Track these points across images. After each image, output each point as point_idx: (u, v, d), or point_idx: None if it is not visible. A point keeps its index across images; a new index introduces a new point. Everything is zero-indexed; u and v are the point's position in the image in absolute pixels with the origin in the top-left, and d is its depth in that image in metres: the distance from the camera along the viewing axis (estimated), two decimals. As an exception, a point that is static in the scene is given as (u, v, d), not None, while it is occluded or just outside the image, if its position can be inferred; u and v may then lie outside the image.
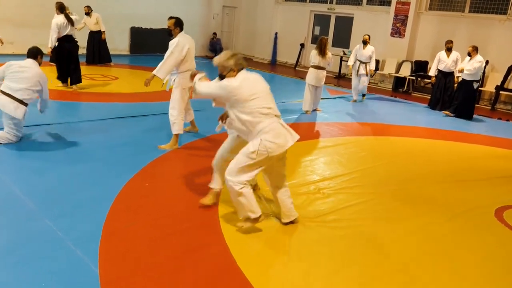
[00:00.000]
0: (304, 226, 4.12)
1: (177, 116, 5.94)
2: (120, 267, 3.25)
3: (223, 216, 4.13)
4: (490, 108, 11.52)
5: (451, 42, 10.32)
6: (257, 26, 18.02)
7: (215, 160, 4.23)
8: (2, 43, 8.93)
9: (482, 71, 10.13)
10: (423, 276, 3.52)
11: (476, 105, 10.40)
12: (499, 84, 11.26)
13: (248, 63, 15.29)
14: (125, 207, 4.19)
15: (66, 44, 8.97)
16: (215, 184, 4.29)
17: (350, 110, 9.97)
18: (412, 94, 12.87)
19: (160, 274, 3.20)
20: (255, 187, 4.67)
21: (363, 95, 11.04)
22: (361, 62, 10.54)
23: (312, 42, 16.19)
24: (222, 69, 3.78)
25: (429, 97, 11.20)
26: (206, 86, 3.92)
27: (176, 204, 4.22)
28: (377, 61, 13.35)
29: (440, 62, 10.44)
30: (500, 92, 11.35)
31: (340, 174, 5.65)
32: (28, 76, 5.53)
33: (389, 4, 13.81)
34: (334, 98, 11.24)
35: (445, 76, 10.45)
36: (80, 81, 9.34)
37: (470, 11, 12.37)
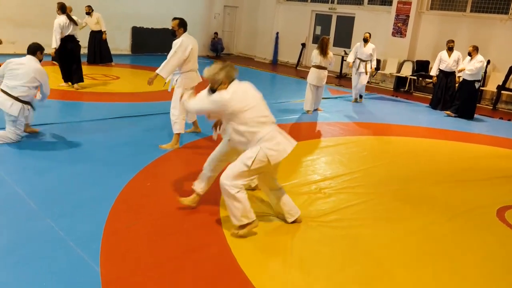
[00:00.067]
0: (305, 225, 4.12)
1: (178, 116, 5.94)
2: (121, 266, 3.26)
3: (224, 216, 4.12)
4: (491, 107, 11.51)
5: (453, 41, 10.31)
6: (259, 26, 18.02)
7: (206, 163, 4.16)
8: (1, 42, 8.95)
9: (483, 71, 10.10)
10: (424, 276, 3.51)
11: (477, 104, 10.40)
12: (500, 83, 11.24)
13: (249, 62, 15.34)
14: (126, 206, 4.19)
15: (68, 44, 8.99)
16: (197, 187, 4.19)
17: (351, 110, 9.97)
18: (414, 94, 12.86)
19: (161, 274, 3.20)
20: (255, 187, 4.67)
21: (360, 96, 10.83)
22: (361, 60, 10.51)
23: (314, 42, 16.18)
24: (213, 82, 3.70)
25: (431, 97, 11.19)
26: (196, 102, 3.85)
27: (177, 204, 4.22)
28: (379, 61, 13.34)
29: (442, 61, 10.43)
30: (502, 91, 11.33)
31: (341, 174, 5.65)
32: (23, 72, 5.53)
33: (390, 3, 13.80)
34: (335, 97, 11.23)
35: (446, 75, 10.44)
36: (82, 80, 9.39)
37: (471, 11, 12.35)
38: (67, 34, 8.90)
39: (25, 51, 5.78)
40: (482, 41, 11.43)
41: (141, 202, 4.31)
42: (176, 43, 5.74)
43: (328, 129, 8.04)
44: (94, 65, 12.33)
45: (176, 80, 5.90)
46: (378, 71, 13.82)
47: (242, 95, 3.67)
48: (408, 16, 13.17)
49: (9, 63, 5.62)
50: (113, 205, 4.16)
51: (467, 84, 9.74)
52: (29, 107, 5.69)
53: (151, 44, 15.82)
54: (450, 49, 10.30)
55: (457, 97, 9.97)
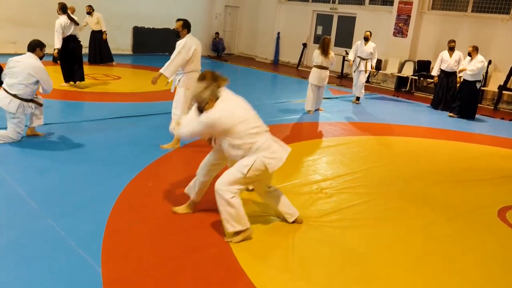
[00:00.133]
0: (306, 225, 4.12)
1: (179, 116, 5.93)
2: (122, 266, 3.26)
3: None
4: (492, 108, 11.50)
5: (454, 41, 10.30)
6: (260, 26, 18.02)
7: (199, 168, 4.11)
8: None
9: (484, 71, 10.09)
10: (424, 276, 3.51)
11: (478, 105, 10.39)
12: (501, 83, 11.24)
13: (250, 62, 15.33)
14: (128, 206, 4.19)
15: (70, 44, 9.03)
16: (191, 192, 4.15)
17: (353, 110, 9.97)
18: (415, 94, 12.85)
19: (162, 273, 3.20)
20: (253, 188, 4.68)
21: (357, 98, 10.65)
22: (361, 58, 10.48)
23: (315, 42, 16.19)
24: (200, 101, 3.62)
25: (432, 97, 11.19)
26: (186, 127, 3.77)
27: (179, 204, 4.22)
28: (380, 61, 13.35)
29: (443, 61, 10.43)
30: (503, 92, 11.32)
31: (342, 173, 5.65)
32: (19, 70, 5.54)
33: (391, 3, 13.80)
34: (337, 97, 11.23)
35: (448, 76, 10.43)
36: (83, 79, 9.41)
37: (472, 11, 12.34)
38: (68, 34, 8.93)
39: (26, 51, 5.79)
40: (483, 41, 11.42)
41: (142, 201, 4.32)
42: (179, 44, 5.79)
43: (329, 129, 8.04)
44: (95, 65, 12.34)
45: (179, 80, 5.94)
46: (379, 71, 13.82)
47: (231, 111, 3.61)
48: (409, 16, 13.17)
49: (9, 61, 5.66)
50: (114, 205, 4.16)
51: (468, 85, 9.73)
52: (32, 104, 5.69)
53: (152, 44, 15.84)
54: (451, 49, 10.29)
55: (458, 98, 9.96)
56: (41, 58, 5.76)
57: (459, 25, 12.34)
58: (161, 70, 5.76)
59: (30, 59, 5.63)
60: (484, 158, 7.07)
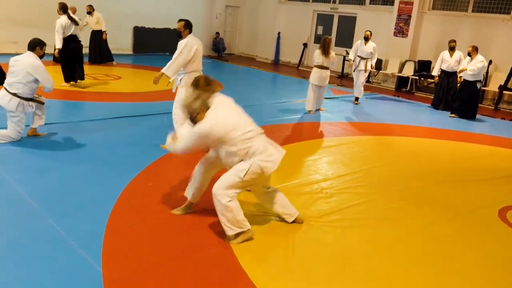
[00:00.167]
0: (306, 225, 4.12)
1: (180, 116, 5.95)
2: (123, 266, 3.26)
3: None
4: (493, 108, 11.49)
5: (454, 41, 10.30)
6: (260, 26, 18.02)
7: (195, 170, 4.10)
8: None
9: (485, 71, 10.07)
10: (425, 276, 3.51)
11: (479, 105, 10.38)
12: (502, 84, 11.23)
13: (251, 62, 15.33)
14: (128, 206, 4.19)
15: (70, 43, 9.04)
16: (188, 194, 4.13)
17: (353, 110, 9.96)
18: (415, 93, 12.84)
19: (162, 273, 3.20)
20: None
21: (356, 99, 10.58)
22: (361, 58, 10.45)
23: (315, 42, 16.19)
24: (191, 112, 3.61)
25: (432, 97, 11.18)
26: (180, 142, 3.74)
27: (179, 203, 4.22)
28: (380, 61, 13.34)
29: (443, 61, 10.42)
30: (504, 91, 11.31)
31: (343, 173, 5.65)
32: (18, 69, 5.55)
33: (392, 3, 13.79)
34: (337, 97, 11.22)
35: (448, 75, 10.42)
36: (83, 78, 9.43)
37: (473, 11, 12.33)
38: (69, 34, 8.94)
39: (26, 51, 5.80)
40: (484, 41, 11.42)
41: (142, 201, 4.32)
42: (181, 44, 5.84)
43: (329, 129, 8.03)
44: (96, 65, 12.35)
45: (180, 80, 5.99)
46: (380, 71, 13.81)
47: (222, 118, 3.59)
48: (410, 16, 13.16)
49: (10, 61, 5.69)
50: (115, 205, 4.17)
51: (468, 85, 9.71)
52: (32, 103, 5.68)
53: (152, 44, 15.83)
54: (451, 49, 10.28)
55: (458, 98, 9.95)
56: (41, 57, 5.75)
57: (460, 25, 12.33)
58: (163, 70, 5.82)
59: (29, 57, 5.63)
60: (485, 158, 7.06)
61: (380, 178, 5.64)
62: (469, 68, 9.50)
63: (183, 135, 3.75)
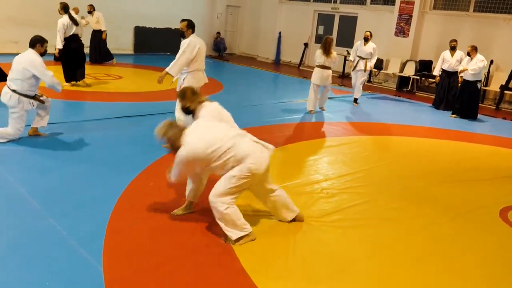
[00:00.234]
0: (307, 225, 4.12)
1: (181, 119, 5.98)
2: (124, 266, 3.26)
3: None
4: (494, 107, 11.48)
5: (455, 41, 10.29)
6: (261, 26, 18.02)
7: (189, 176, 4.08)
8: None
9: (486, 71, 10.06)
10: (425, 276, 3.51)
11: (480, 104, 10.37)
12: (503, 83, 11.21)
13: (252, 62, 15.33)
14: (129, 206, 4.20)
15: (72, 43, 9.06)
16: (187, 194, 4.14)
17: (354, 110, 9.96)
18: (416, 93, 12.84)
19: (163, 273, 3.20)
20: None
21: (355, 100, 10.46)
22: (360, 58, 10.40)
23: (316, 42, 16.19)
24: (169, 142, 3.65)
25: (433, 97, 11.17)
26: (174, 171, 3.75)
27: (180, 203, 4.22)
28: (381, 61, 13.34)
29: (444, 61, 10.41)
30: (505, 91, 11.30)
31: (344, 173, 5.64)
32: (16, 66, 5.58)
33: (393, 3, 13.78)
34: (338, 97, 11.22)
35: (449, 75, 10.41)
36: (83, 77, 9.45)
37: (474, 11, 12.33)
38: (71, 33, 8.95)
39: (27, 50, 5.81)
40: (485, 41, 11.42)
41: (143, 201, 4.32)
42: (184, 43, 5.94)
43: (330, 129, 8.03)
44: (97, 65, 12.36)
45: (183, 79, 6.04)
46: (381, 71, 13.80)
47: (199, 134, 3.59)
48: (411, 16, 13.16)
49: (14, 59, 5.70)
50: (116, 204, 4.17)
51: (469, 85, 9.70)
52: (33, 102, 5.67)
53: (153, 43, 15.83)
54: (453, 49, 10.27)
55: (459, 99, 9.92)
56: (42, 54, 5.74)
57: (461, 25, 12.32)
58: (166, 69, 5.91)
59: (28, 54, 5.64)
60: (486, 158, 7.05)
61: (381, 178, 5.64)
62: (470, 68, 9.48)
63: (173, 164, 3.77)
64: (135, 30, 15.72)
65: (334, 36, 15.61)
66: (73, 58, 9.15)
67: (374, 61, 10.58)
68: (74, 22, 9.04)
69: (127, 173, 4.91)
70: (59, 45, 8.87)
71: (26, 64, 5.53)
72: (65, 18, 8.88)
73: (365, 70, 10.35)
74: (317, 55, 8.97)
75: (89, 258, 3.29)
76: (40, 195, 4.23)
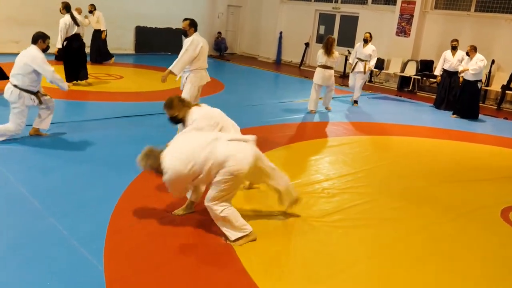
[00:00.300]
0: (308, 225, 4.12)
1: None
2: (124, 265, 3.26)
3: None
4: (496, 107, 11.47)
5: (457, 41, 10.27)
6: (262, 25, 18.02)
7: None
8: None
9: (487, 71, 10.04)
10: (426, 276, 3.51)
11: (481, 104, 10.36)
12: (505, 83, 11.20)
13: (253, 62, 15.32)
14: (130, 206, 4.19)
15: (73, 43, 9.06)
16: (188, 194, 4.12)
17: (355, 110, 9.95)
18: (417, 93, 12.83)
19: (164, 273, 3.20)
20: (251, 186, 4.68)
21: (355, 101, 10.38)
22: (360, 59, 10.34)
23: (317, 42, 16.18)
24: (152, 169, 3.64)
25: (434, 97, 11.15)
26: (169, 190, 3.74)
27: (181, 204, 4.22)
28: (382, 61, 13.32)
29: (446, 61, 10.40)
30: (506, 91, 11.29)
31: (344, 173, 5.64)
32: (17, 61, 5.61)
33: (394, 3, 13.76)
34: (339, 97, 11.20)
35: (450, 75, 10.40)
36: (86, 78, 9.45)
37: (476, 10, 12.31)
38: (72, 33, 8.96)
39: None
40: (486, 40, 11.40)
41: (144, 201, 4.32)
42: (187, 41, 5.98)
43: (331, 128, 8.03)
44: (97, 64, 12.36)
45: (186, 78, 6.06)
46: (382, 71, 13.79)
47: (174, 155, 3.55)
48: (412, 16, 13.14)
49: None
50: (116, 204, 4.17)
51: (469, 85, 9.68)
52: (34, 98, 5.66)
53: (154, 43, 15.83)
54: (454, 49, 10.26)
55: (460, 100, 9.90)
56: (45, 50, 5.74)
57: (462, 25, 12.31)
58: (170, 68, 5.94)
59: (30, 50, 5.65)
60: (487, 158, 7.05)
61: (381, 178, 5.63)
62: (471, 67, 9.47)
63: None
64: (136, 30, 15.72)
65: (335, 36, 15.58)
66: (74, 58, 9.16)
67: (373, 62, 10.40)
68: (75, 22, 9.04)
69: (128, 173, 4.91)
70: (59, 44, 8.87)
71: (27, 59, 5.56)
72: (67, 18, 8.90)
73: (364, 72, 10.27)
74: (319, 55, 8.96)
75: (89, 258, 3.29)
76: (41, 195, 4.23)
